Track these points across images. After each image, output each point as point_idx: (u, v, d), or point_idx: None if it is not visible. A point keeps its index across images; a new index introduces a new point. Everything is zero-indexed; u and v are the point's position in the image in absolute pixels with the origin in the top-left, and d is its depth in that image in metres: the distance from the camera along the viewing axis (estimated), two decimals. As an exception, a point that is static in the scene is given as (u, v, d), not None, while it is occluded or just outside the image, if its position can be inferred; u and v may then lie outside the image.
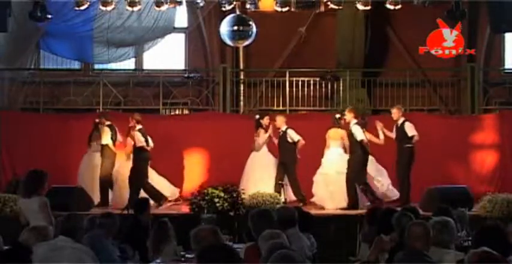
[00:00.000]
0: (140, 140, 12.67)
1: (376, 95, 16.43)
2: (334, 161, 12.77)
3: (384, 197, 12.88)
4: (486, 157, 14.63)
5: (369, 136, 12.82)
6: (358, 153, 12.45)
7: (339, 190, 12.56)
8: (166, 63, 17.09)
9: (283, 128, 13.06)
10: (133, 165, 12.70)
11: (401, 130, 12.75)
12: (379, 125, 12.87)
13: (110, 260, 6.34)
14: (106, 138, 13.06)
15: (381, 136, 12.85)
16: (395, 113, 12.93)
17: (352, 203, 12.40)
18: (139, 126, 12.78)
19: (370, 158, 12.88)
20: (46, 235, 5.93)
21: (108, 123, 13.24)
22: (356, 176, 12.45)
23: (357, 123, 12.60)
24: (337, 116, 12.92)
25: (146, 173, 12.78)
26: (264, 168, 13.05)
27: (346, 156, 12.66)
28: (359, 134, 12.46)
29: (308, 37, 16.75)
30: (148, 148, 12.78)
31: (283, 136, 13.02)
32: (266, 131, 13.18)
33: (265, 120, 13.25)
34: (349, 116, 12.69)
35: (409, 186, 12.62)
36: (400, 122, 12.84)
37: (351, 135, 12.59)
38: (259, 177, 12.89)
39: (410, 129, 12.66)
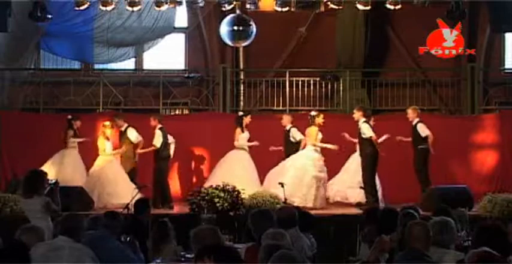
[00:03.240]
0: (160, 139, 12.90)
1: (376, 95, 16.44)
2: (296, 157, 12.78)
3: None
4: (486, 157, 14.65)
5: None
6: (367, 150, 12.53)
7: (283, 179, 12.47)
8: (166, 63, 17.09)
9: (288, 126, 13.11)
10: (155, 165, 13.00)
11: (414, 131, 12.81)
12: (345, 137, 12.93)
13: (110, 260, 6.33)
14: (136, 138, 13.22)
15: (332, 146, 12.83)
16: (410, 113, 13.00)
17: (372, 200, 12.45)
18: (160, 125, 13.03)
19: (356, 155, 12.96)
20: (42, 236, 5.91)
21: (126, 125, 13.32)
22: (369, 173, 12.56)
23: (365, 122, 12.65)
24: (313, 113, 12.93)
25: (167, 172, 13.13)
26: (239, 167, 13.06)
27: (313, 154, 12.69)
28: (368, 131, 12.51)
29: (308, 37, 16.75)
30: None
31: (286, 135, 13.09)
32: (243, 131, 13.21)
33: (247, 119, 13.28)
34: (357, 114, 12.75)
35: (428, 184, 12.70)
36: (414, 122, 12.89)
37: (359, 133, 12.66)
38: (229, 173, 12.82)
39: (422, 130, 12.73)
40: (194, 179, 14.37)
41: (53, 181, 8.61)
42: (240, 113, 13.68)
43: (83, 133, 13.54)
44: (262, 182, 13.01)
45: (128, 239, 7.24)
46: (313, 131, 12.80)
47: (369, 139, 12.50)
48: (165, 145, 12.97)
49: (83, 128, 13.61)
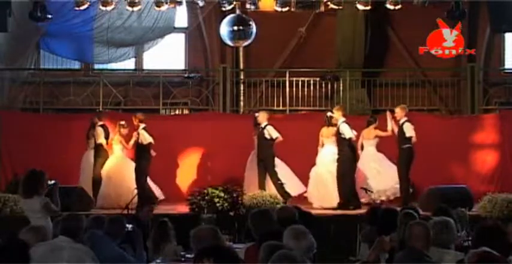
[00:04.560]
0: (146, 137, 12.75)
1: (376, 95, 16.44)
2: (327, 160, 12.84)
3: (383, 194, 12.99)
4: (486, 157, 14.64)
5: (377, 132, 13.04)
6: (345, 151, 12.51)
7: (328, 190, 12.68)
8: (166, 63, 17.09)
9: (263, 124, 13.04)
10: (137, 165, 12.82)
11: (401, 130, 12.79)
12: (389, 116, 12.94)
13: (110, 260, 6.34)
14: (100, 138, 13.11)
15: (389, 127, 12.89)
16: (398, 112, 12.97)
17: (343, 202, 12.46)
18: (143, 125, 12.87)
19: (381, 155, 12.95)
20: (45, 235, 5.92)
21: (100, 123, 13.26)
22: (345, 174, 12.52)
23: (344, 122, 12.65)
24: (329, 114, 12.99)
25: (147, 173, 12.86)
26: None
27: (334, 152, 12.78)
28: (347, 132, 12.53)
29: (308, 37, 16.75)
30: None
31: (261, 132, 13.00)
32: None
33: None
34: (337, 114, 12.75)
35: (409, 186, 12.66)
36: (401, 121, 12.88)
37: (338, 133, 12.64)
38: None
39: (408, 130, 12.68)
40: (194, 179, 14.35)
41: (53, 182, 8.62)
42: (256, 114, 13.60)
43: (82, 133, 13.55)
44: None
45: (131, 228, 7.26)
46: (333, 131, 12.81)
47: (348, 140, 12.52)
48: (148, 145, 12.90)
49: (82, 128, 13.62)
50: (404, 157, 12.67)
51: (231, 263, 4.21)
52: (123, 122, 13.20)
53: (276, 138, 12.82)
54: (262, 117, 13.13)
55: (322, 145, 12.99)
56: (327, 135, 12.91)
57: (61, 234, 6.15)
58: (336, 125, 12.80)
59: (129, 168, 13.01)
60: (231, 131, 14.02)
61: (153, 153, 12.87)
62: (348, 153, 12.54)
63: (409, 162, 12.66)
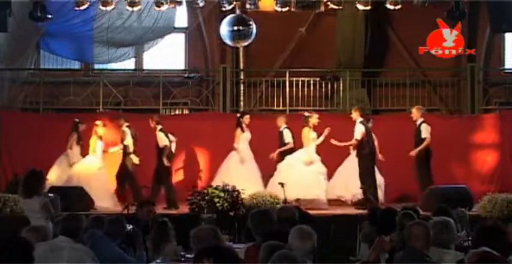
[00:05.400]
0: (163, 139, 12.82)
1: (376, 95, 16.44)
2: (295, 158, 12.84)
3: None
4: (486, 157, 14.65)
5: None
6: (363, 150, 12.54)
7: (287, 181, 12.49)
8: (166, 63, 17.09)
9: (282, 127, 13.11)
10: (159, 165, 12.86)
11: (418, 131, 12.83)
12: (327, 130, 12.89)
13: (109, 260, 6.34)
14: (126, 140, 13.14)
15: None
16: (414, 113, 13.04)
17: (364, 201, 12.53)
18: (159, 127, 12.95)
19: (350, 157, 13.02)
20: (45, 235, 5.93)
21: (126, 124, 13.27)
22: (363, 174, 12.59)
23: (361, 122, 12.67)
24: (306, 114, 12.98)
25: (169, 174, 13.01)
26: (240, 167, 13.11)
27: (303, 156, 12.77)
28: (357, 133, 12.55)
29: (308, 37, 16.74)
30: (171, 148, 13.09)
31: (280, 136, 13.08)
32: (243, 131, 13.21)
33: (245, 120, 13.29)
34: (355, 115, 12.81)
35: (430, 182, 12.74)
36: (418, 122, 12.91)
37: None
38: (234, 175, 12.88)
39: (424, 131, 12.76)
40: (194, 179, 14.35)
41: (52, 196, 8.63)
42: (238, 114, 13.69)
43: (83, 134, 13.54)
44: (266, 181, 13.03)
45: (131, 228, 7.26)
46: (305, 133, 12.83)
47: (359, 141, 12.60)
48: (164, 148, 12.91)
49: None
50: (422, 157, 12.75)
51: (231, 263, 4.21)
52: (98, 122, 13.21)
53: (287, 143, 12.89)
54: (280, 120, 13.26)
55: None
56: (303, 135, 12.92)
57: (61, 234, 6.15)
58: (313, 126, 12.84)
59: (96, 171, 12.95)
60: (231, 131, 14.00)
61: (166, 163, 12.87)
62: (361, 153, 12.57)
63: (428, 161, 12.77)
